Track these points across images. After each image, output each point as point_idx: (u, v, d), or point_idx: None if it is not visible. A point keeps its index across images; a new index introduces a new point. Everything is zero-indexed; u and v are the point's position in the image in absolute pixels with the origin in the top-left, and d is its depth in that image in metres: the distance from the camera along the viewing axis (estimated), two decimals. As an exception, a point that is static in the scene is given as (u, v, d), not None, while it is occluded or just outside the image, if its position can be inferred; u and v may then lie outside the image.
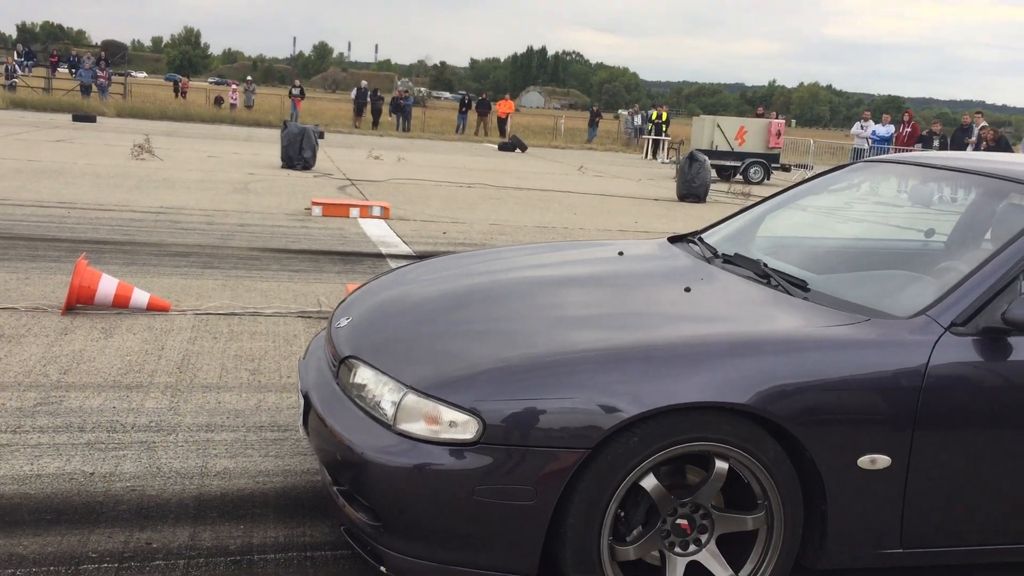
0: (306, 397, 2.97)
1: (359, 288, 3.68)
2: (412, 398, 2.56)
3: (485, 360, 2.64)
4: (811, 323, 2.81)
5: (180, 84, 49.72)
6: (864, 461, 2.63)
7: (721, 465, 2.56)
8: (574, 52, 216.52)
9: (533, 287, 3.29)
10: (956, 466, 2.73)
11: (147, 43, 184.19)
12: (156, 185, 12.13)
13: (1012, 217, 3.23)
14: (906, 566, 2.86)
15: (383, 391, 2.66)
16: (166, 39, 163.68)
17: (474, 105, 37.09)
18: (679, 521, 2.61)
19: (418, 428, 2.53)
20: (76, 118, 25.11)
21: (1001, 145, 18.93)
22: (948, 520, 2.79)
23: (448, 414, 2.50)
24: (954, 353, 2.70)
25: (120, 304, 5.57)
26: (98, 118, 25.99)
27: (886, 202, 4.21)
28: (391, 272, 3.86)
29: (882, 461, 2.64)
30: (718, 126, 22.40)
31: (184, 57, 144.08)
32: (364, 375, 2.77)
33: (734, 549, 2.67)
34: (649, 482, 2.54)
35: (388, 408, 2.61)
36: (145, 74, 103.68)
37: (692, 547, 2.63)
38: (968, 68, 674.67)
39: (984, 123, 20.90)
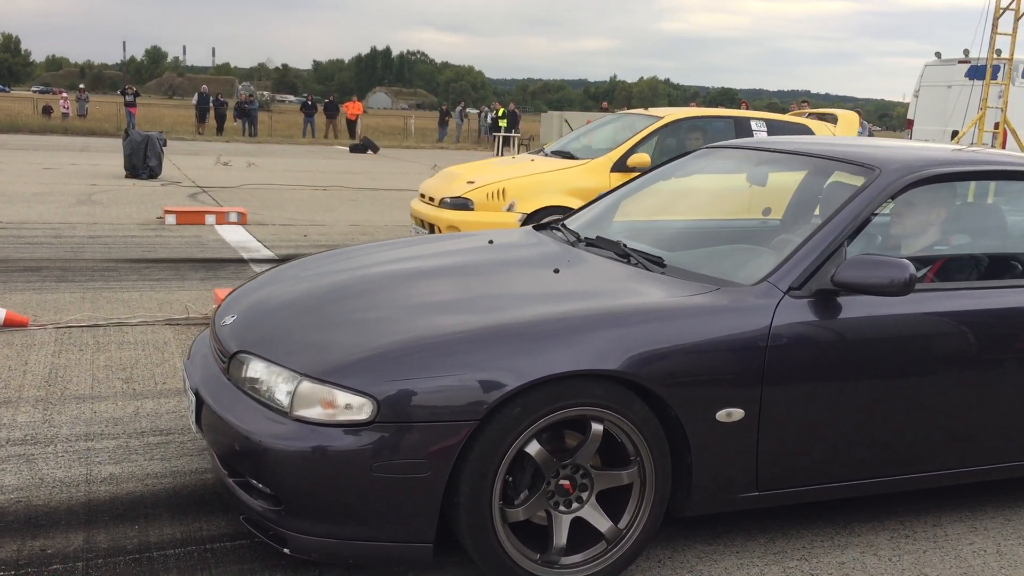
0: (197, 394, 3.03)
1: (237, 289, 3.75)
2: (307, 385, 2.69)
3: (373, 345, 2.79)
4: (670, 294, 3.09)
5: None
6: (721, 415, 2.92)
7: (597, 427, 2.80)
8: (419, 52, 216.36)
9: (413, 276, 3.45)
10: (800, 415, 3.07)
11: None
12: (-8, 200, 11.55)
13: (836, 192, 3.62)
14: (763, 507, 3.19)
15: (277, 381, 2.77)
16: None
17: (322, 108, 36.61)
18: (562, 482, 2.83)
19: (315, 413, 2.66)
20: None
21: (825, 131, 20.27)
22: (795, 464, 3.13)
23: (343, 397, 2.64)
24: (793, 313, 3.04)
25: (-26, 322, 5.37)
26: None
27: (728, 184, 4.59)
28: (267, 271, 3.93)
29: (737, 414, 2.94)
30: (566, 121, 23.08)
31: (3, 65, 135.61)
32: (256, 368, 2.86)
33: (613, 503, 2.92)
34: (533, 448, 2.75)
35: (283, 396, 2.72)
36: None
37: (575, 504, 2.86)
38: (793, 59, 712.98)
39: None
